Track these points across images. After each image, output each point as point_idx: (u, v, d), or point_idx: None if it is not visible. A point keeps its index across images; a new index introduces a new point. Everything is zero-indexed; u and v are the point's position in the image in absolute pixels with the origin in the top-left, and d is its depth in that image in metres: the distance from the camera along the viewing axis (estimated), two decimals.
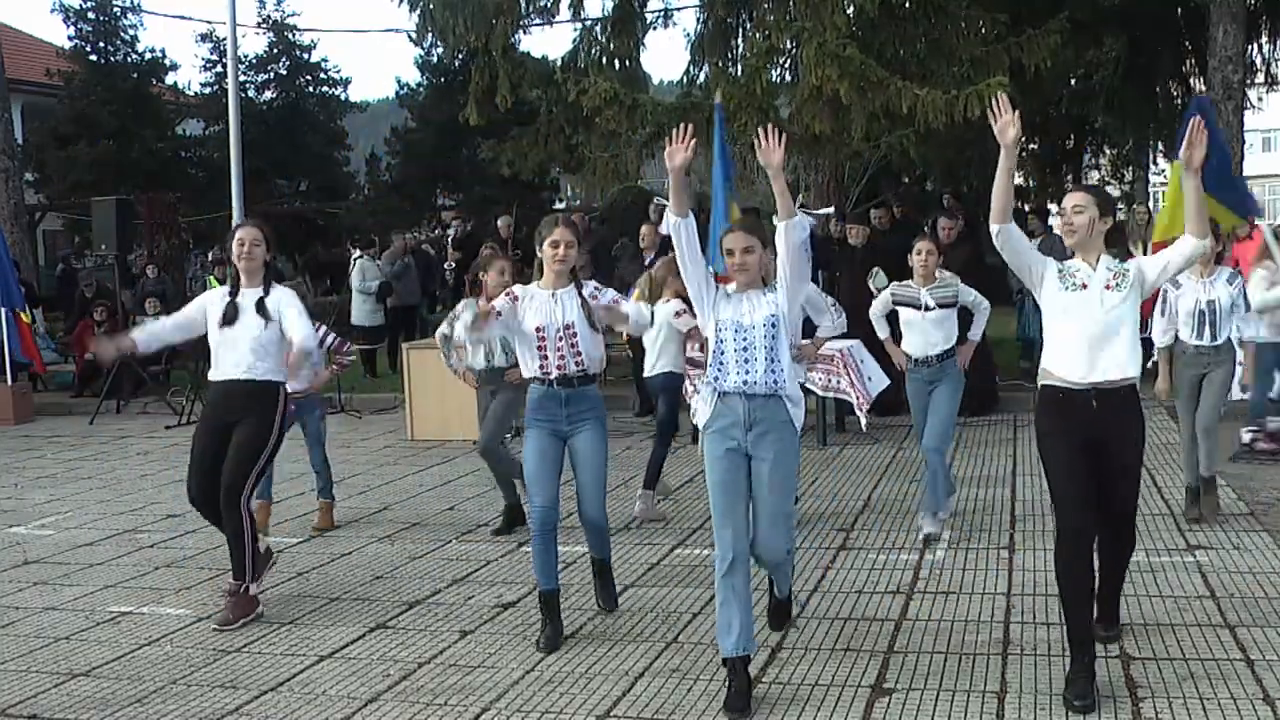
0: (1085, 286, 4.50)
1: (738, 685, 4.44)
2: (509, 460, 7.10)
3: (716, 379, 4.57)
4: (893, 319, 6.92)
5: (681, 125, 4.59)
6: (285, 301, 5.74)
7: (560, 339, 5.17)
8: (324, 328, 7.21)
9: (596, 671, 4.83)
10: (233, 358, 5.67)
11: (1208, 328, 6.70)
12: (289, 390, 6.01)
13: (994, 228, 4.47)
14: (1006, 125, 4.34)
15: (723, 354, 4.56)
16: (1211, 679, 4.44)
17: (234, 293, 5.73)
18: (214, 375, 5.77)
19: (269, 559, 6.02)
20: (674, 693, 4.56)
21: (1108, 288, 4.48)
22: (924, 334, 6.65)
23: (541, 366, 5.22)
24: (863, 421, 9.09)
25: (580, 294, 5.26)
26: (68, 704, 4.71)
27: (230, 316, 5.66)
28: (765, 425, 4.51)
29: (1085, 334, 4.45)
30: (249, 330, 5.65)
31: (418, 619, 5.63)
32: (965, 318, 6.86)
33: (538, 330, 5.18)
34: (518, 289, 5.35)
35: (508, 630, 5.40)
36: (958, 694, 4.41)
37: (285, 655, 5.19)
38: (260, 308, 5.68)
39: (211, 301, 5.80)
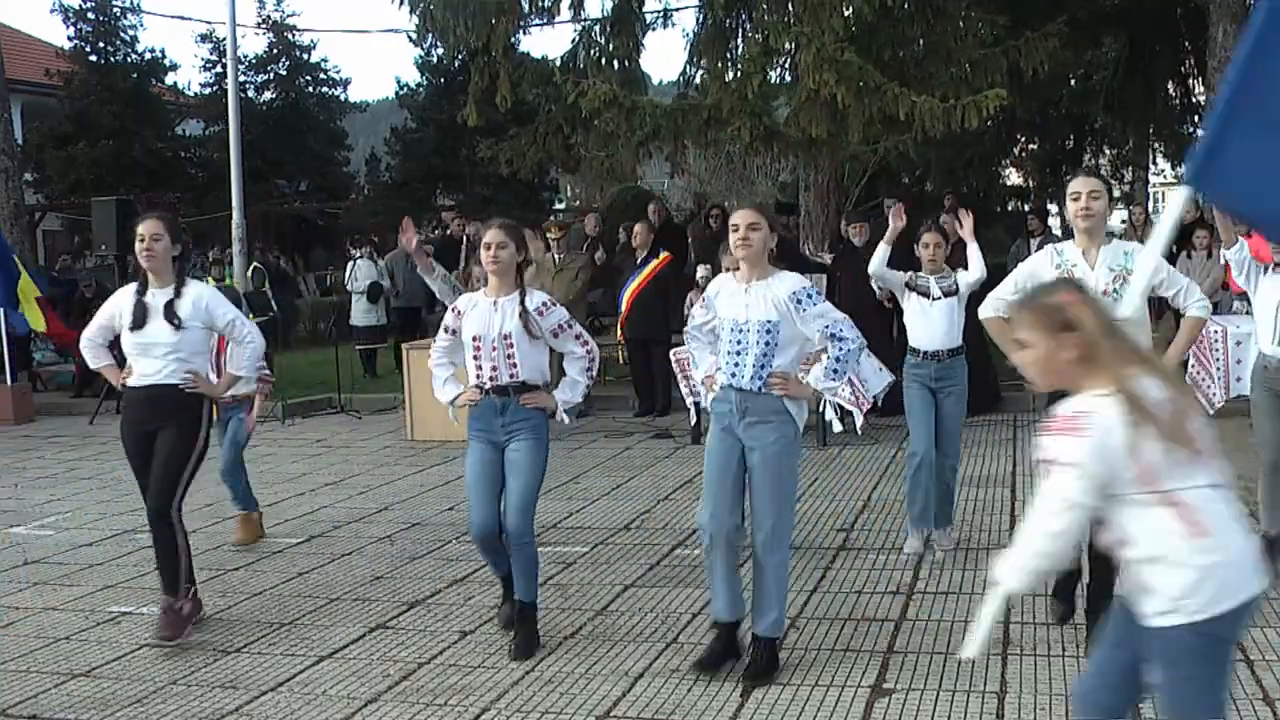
0: None
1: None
2: None
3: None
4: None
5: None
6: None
7: (495, 349, 5.01)
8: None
9: (596, 671, 4.83)
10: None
11: None
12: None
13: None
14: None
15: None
16: None
17: (141, 292, 5.37)
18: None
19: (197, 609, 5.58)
20: (674, 693, 4.56)
21: (1105, 292, 4.51)
22: (933, 323, 6.33)
23: (478, 375, 5.10)
24: (859, 424, 9.18)
25: (522, 303, 5.05)
26: (68, 704, 4.71)
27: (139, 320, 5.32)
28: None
29: None
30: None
31: (418, 619, 5.63)
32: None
33: (474, 339, 5.06)
34: (462, 301, 5.22)
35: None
36: (958, 694, 4.41)
37: (285, 655, 5.19)
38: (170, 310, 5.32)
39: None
